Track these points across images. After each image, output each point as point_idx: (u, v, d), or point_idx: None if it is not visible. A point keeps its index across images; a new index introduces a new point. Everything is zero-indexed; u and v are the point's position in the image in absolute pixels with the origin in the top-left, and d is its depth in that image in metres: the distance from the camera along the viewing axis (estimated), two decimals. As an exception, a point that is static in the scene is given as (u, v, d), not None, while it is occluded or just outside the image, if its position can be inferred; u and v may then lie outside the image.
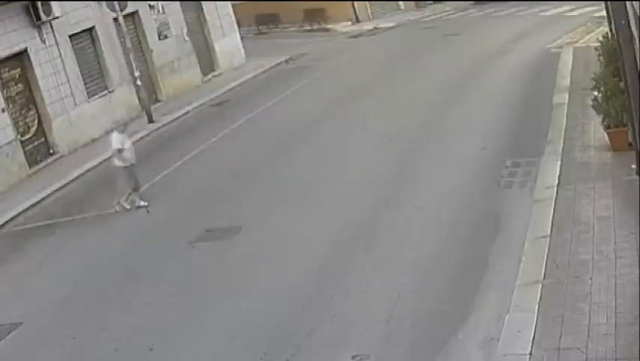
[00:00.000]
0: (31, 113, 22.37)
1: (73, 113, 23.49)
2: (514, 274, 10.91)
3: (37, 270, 14.95)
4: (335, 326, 10.66)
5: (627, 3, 11.16)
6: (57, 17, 23.03)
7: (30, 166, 21.63)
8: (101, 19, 25.29)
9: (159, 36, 28.34)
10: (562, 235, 11.66)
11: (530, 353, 8.90)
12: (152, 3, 28.20)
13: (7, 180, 20.69)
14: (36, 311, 12.89)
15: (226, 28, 32.05)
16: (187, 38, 29.54)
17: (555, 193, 13.33)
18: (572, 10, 34.09)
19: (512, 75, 23.41)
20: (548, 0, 36.29)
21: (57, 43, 23.32)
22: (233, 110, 24.93)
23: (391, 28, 38.35)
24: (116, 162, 17.04)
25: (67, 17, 23.80)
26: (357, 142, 19.14)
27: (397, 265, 12.10)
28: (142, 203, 16.91)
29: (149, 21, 28.00)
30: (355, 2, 41.45)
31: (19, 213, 18.43)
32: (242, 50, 32.54)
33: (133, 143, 17.88)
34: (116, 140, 16.92)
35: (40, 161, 22.16)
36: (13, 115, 21.64)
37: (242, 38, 33.05)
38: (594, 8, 30.09)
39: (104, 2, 24.88)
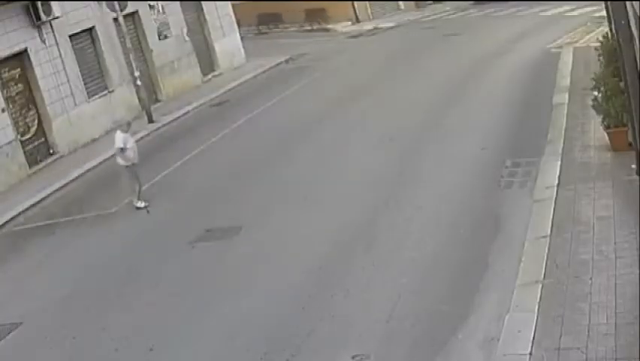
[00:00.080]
0: (31, 113, 22.37)
1: (73, 113, 23.48)
2: (514, 274, 10.91)
3: (37, 270, 14.95)
4: (335, 326, 10.67)
5: (627, 3, 11.16)
6: (57, 17, 23.02)
7: (30, 166, 21.62)
8: (101, 19, 25.29)
9: (159, 36, 28.33)
10: (562, 235, 11.66)
11: (530, 353, 8.90)
12: (152, 3, 28.20)
13: (7, 180, 20.69)
14: (36, 311, 12.89)
15: (226, 28, 32.05)
16: (187, 38, 29.54)
17: (555, 193, 13.33)
18: (572, 10, 34.09)
19: (512, 75, 23.41)
20: (548, 0, 36.28)
21: (57, 44, 23.32)
22: (233, 110, 24.93)
23: (391, 28, 38.34)
24: (119, 160, 17.06)
25: (67, 17, 23.80)
26: (357, 142, 19.14)
27: (397, 265, 12.10)
28: (142, 204, 16.89)
29: (149, 21, 27.99)
30: (355, 2, 41.44)
31: (19, 213, 18.43)
32: (242, 50, 32.54)
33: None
34: (119, 139, 16.92)
35: (40, 161, 22.15)
36: (13, 115, 21.64)
37: (242, 38, 33.05)
38: (594, 8, 30.09)
39: (104, 2, 24.88)
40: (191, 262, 13.80)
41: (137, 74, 24.86)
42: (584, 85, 17.90)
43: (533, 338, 9.17)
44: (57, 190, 19.78)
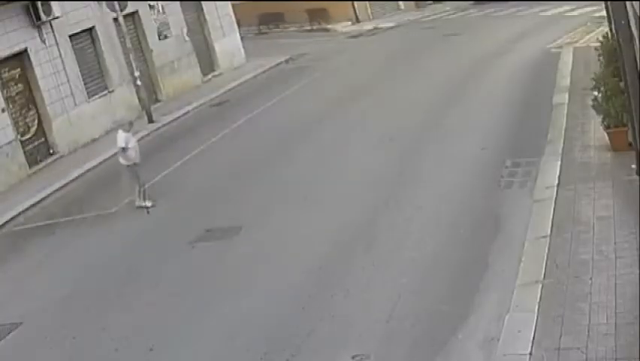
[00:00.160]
0: (31, 113, 22.37)
1: (73, 113, 23.48)
2: (514, 274, 10.91)
3: (37, 270, 14.95)
4: (335, 326, 10.66)
5: (627, 3, 11.16)
6: (57, 17, 23.02)
7: (30, 166, 21.62)
8: (101, 19, 25.29)
9: (159, 36, 28.34)
10: (562, 235, 11.66)
11: (530, 353, 8.90)
12: (152, 3, 28.20)
13: (7, 180, 20.69)
14: (36, 311, 12.89)
15: (226, 28, 32.06)
16: (187, 38, 29.54)
17: (555, 193, 13.33)
18: (572, 10, 34.09)
19: (512, 75, 23.41)
20: (548, 0, 36.28)
21: (57, 43, 23.32)
22: (233, 110, 24.93)
23: (391, 28, 38.35)
24: (121, 160, 17.07)
25: (67, 17, 23.80)
26: (357, 142, 19.14)
27: (397, 265, 12.10)
28: (142, 203, 16.90)
29: (149, 21, 27.99)
30: (355, 2, 41.45)
31: (19, 213, 18.43)
32: (242, 50, 32.55)
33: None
34: (120, 138, 16.93)
35: (40, 161, 22.15)
36: (13, 115, 21.64)
37: (242, 38, 33.05)
38: (594, 8, 30.09)
39: (104, 2, 24.88)
40: (191, 262, 13.80)
41: (137, 74, 24.86)
42: (584, 85, 17.90)
43: (533, 338, 9.17)
44: (57, 190, 19.78)
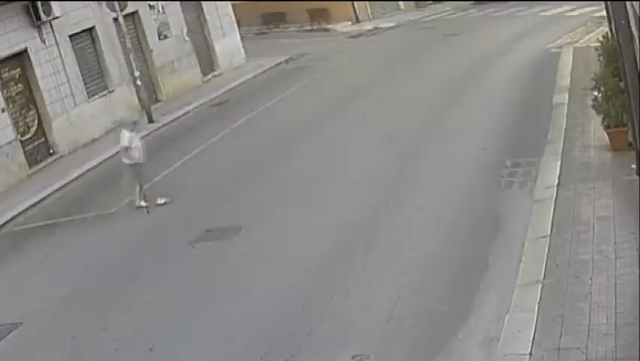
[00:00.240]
0: (31, 113, 22.37)
1: (74, 113, 23.49)
2: (514, 274, 10.91)
3: (37, 270, 14.95)
4: (335, 326, 10.66)
5: (627, 3, 11.16)
6: (57, 17, 23.03)
7: (30, 166, 21.63)
8: (101, 19, 25.30)
9: (159, 36, 28.34)
10: (562, 235, 11.66)
11: (530, 353, 8.90)
12: (152, 3, 28.21)
13: (7, 180, 20.70)
14: (36, 311, 12.89)
15: (226, 28, 32.06)
16: (187, 38, 29.54)
17: (555, 193, 13.33)
18: (572, 10, 34.08)
19: (512, 75, 23.41)
20: (548, 0, 36.28)
21: (57, 43, 23.32)
22: (233, 110, 24.93)
23: (391, 28, 38.34)
24: (124, 159, 17.08)
25: (67, 17, 23.81)
26: (357, 142, 19.14)
27: (397, 265, 12.10)
28: (142, 203, 16.91)
29: (149, 21, 28.00)
30: (355, 2, 41.45)
31: (19, 213, 18.44)
32: (242, 50, 32.55)
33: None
34: (124, 138, 16.94)
35: (40, 161, 22.16)
36: (13, 115, 21.64)
37: (242, 38, 33.05)
38: (594, 8, 30.08)
39: (104, 2, 24.88)
40: (191, 262, 13.80)
41: (137, 74, 24.86)
42: (584, 85, 17.89)
43: (533, 338, 9.16)
44: (57, 190, 19.79)
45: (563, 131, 16.49)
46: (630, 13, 11.09)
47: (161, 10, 28.57)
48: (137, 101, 25.31)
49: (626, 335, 8.73)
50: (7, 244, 16.91)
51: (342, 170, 17.22)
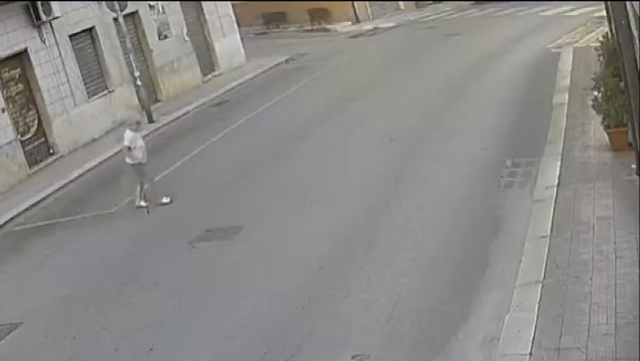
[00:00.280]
0: (31, 113, 22.37)
1: (73, 113, 23.49)
2: (514, 274, 10.90)
3: (37, 270, 14.95)
4: (335, 326, 10.66)
5: (627, 3, 11.16)
6: (57, 17, 23.03)
7: (30, 166, 21.62)
8: (101, 19, 25.30)
9: (159, 36, 28.34)
10: (562, 235, 11.66)
11: (530, 353, 8.90)
12: (152, 3, 28.21)
13: (7, 180, 20.69)
14: (36, 311, 12.89)
15: (226, 28, 32.06)
16: (187, 38, 29.54)
17: (555, 193, 13.33)
18: (572, 10, 34.08)
19: (512, 75, 23.41)
20: (548, 0, 36.28)
21: (57, 44, 23.32)
22: (233, 110, 24.93)
23: (391, 28, 38.35)
24: (126, 158, 17.09)
25: (67, 17, 23.81)
26: (357, 142, 19.14)
27: (397, 265, 12.10)
28: (142, 203, 16.92)
29: (149, 21, 28.00)
30: (355, 2, 41.46)
31: (19, 213, 18.44)
32: (242, 50, 32.55)
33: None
34: (127, 137, 16.95)
35: (40, 161, 22.15)
36: (13, 115, 21.64)
37: (242, 38, 33.06)
38: (594, 8, 30.07)
39: (104, 2, 24.89)
40: (191, 262, 13.80)
41: (137, 74, 24.86)
42: (584, 85, 17.90)
43: (533, 338, 9.16)
44: (57, 190, 19.79)
45: (563, 131, 16.49)
46: (630, 13, 11.09)
47: (161, 10, 28.58)
48: (137, 101, 25.31)
49: (626, 335, 8.73)
50: (7, 244, 16.91)
51: (342, 170, 17.22)
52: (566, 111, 17.88)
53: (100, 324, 12.01)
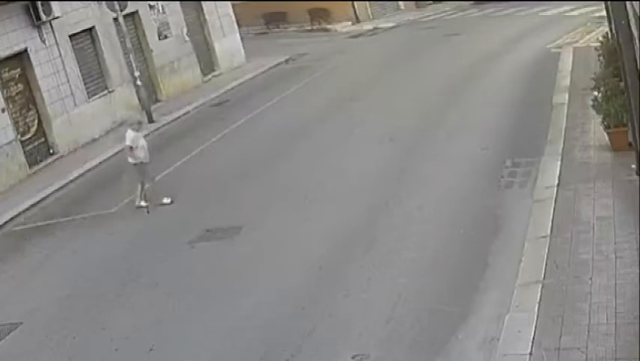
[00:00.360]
0: (31, 113, 22.38)
1: (74, 113, 23.49)
2: (514, 274, 10.90)
3: (37, 270, 14.95)
4: (335, 326, 10.66)
5: (627, 3, 11.16)
6: (57, 17, 23.03)
7: (30, 166, 21.62)
8: (101, 19, 25.30)
9: (159, 36, 28.34)
10: (562, 235, 11.66)
11: (530, 353, 8.90)
12: (152, 3, 28.21)
13: (7, 180, 20.69)
14: (36, 311, 12.89)
15: (226, 28, 32.06)
16: (187, 38, 29.54)
17: (555, 193, 13.33)
18: (572, 10, 34.08)
19: (512, 75, 23.41)
20: (548, 0, 36.28)
21: (57, 44, 23.32)
22: (233, 110, 24.94)
23: (391, 28, 38.36)
24: (129, 158, 17.09)
25: (67, 17, 23.81)
26: (357, 142, 19.14)
27: (397, 265, 12.10)
28: (142, 203, 16.91)
29: (149, 21, 28.01)
30: (355, 2, 41.47)
31: (19, 213, 18.43)
32: (242, 50, 32.56)
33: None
34: (129, 137, 16.95)
35: (40, 161, 22.16)
36: (13, 115, 21.64)
37: (242, 38, 33.06)
38: (594, 8, 30.08)
39: (104, 2, 24.89)
40: (191, 262, 13.80)
41: (137, 74, 24.86)
42: (584, 85, 17.90)
43: (533, 338, 9.16)
44: (57, 190, 19.78)
45: (563, 131, 16.49)
46: (630, 13, 11.09)
47: (161, 10, 28.58)
48: (137, 101, 25.31)
49: (626, 335, 8.73)
50: (7, 244, 16.91)
51: (342, 170, 17.22)
52: (566, 111, 17.88)
53: (100, 324, 12.01)
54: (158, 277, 13.40)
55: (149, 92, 26.06)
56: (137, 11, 27.21)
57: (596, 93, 15.22)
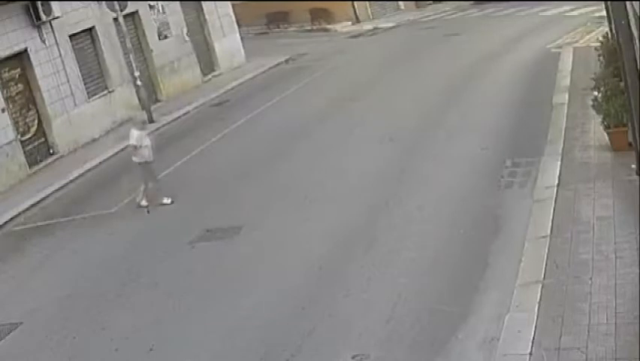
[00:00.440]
0: (31, 113, 22.38)
1: (74, 113, 23.49)
2: (514, 274, 10.90)
3: (37, 270, 14.95)
4: (335, 326, 10.66)
5: (627, 3, 11.16)
6: (57, 17, 23.03)
7: (30, 166, 21.62)
8: (100, 19, 25.30)
9: (159, 36, 28.34)
10: (562, 235, 11.66)
11: (530, 353, 8.90)
12: (152, 3, 28.21)
13: (7, 180, 20.69)
14: (36, 311, 12.89)
15: (226, 28, 32.06)
16: (187, 38, 29.54)
17: (555, 193, 13.33)
18: (572, 10, 34.08)
19: (512, 75, 23.41)
20: (548, 0, 36.29)
21: (57, 44, 23.33)
22: (233, 110, 24.93)
23: (391, 28, 38.35)
24: (133, 157, 17.09)
25: (67, 17, 23.81)
26: (357, 142, 19.14)
27: (397, 265, 12.10)
28: (143, 203, 16.91)
29: (149, 21, 28.01)
30: (355, 2, 41.47)
31: (19, 213, 18.43)
32: (242, 50, 32.56)
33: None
34: (133, 136, 16.95)
35: (40, 161, 22.15)
36: (13, 115, 21.64)
37: (242, 38, 33.06)
38: (594, 8, 30.08)
39: (104, 2, 24.89)
40: (191, 262, 13.80)
41: (137, 74, 24.86)
42: (584, 85, 17.90)
43: (533, 338, 9.16)
44: (57, 190, 19.78)
45: (563, 131, 16.49)
46: (630, 13, 11.09)
47: (161, 10, 28.58)
48: (137, 101, 25.30)
49: (626, 335, 8.73)
50: (7, 244, 16.91)
51: (342, 170, 17.22)
52: (566, 111, 17.88)
53: (100, 324, 12.01)
54: (158, 277, 13.40)
55: (149, 92, 26.05)
56: (137, 11, 27.22)
57: (596, 93, 15.22)
